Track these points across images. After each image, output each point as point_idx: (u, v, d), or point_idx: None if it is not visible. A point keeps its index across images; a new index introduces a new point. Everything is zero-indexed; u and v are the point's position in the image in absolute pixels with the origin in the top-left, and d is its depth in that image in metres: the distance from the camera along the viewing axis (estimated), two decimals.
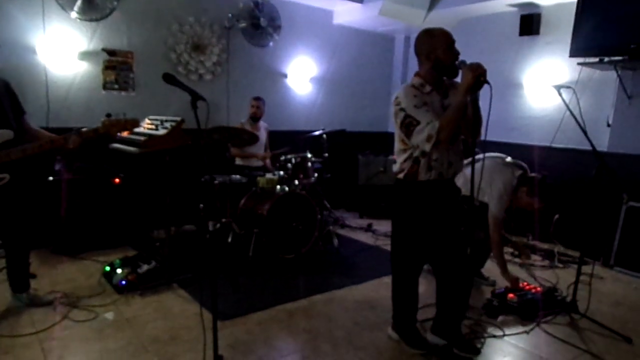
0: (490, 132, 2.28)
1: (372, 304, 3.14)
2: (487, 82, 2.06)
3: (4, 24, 3.74)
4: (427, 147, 2.18)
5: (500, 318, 2.95)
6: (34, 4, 3.86)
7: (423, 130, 2.17)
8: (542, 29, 4.89)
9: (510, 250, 4.40)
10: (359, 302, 3.17)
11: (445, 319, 2.52)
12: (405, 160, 2.37)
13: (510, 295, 3.06)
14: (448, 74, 2.31)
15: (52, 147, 2.54)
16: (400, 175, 2.39)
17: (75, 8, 3.99)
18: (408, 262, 2.54)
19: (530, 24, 4.89)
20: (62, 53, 4.02)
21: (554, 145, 4.70)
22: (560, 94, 2.92)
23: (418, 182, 2.34)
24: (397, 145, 2.41)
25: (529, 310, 2.95)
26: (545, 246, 4.54)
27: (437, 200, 2.37)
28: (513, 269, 3.94)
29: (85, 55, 4.17)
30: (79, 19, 4.06)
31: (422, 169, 2.32)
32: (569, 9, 4.23)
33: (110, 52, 4.27)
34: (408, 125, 2.23)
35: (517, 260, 4.18)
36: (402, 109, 2.25)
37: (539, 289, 3.20)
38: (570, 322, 2.93)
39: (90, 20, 4.11)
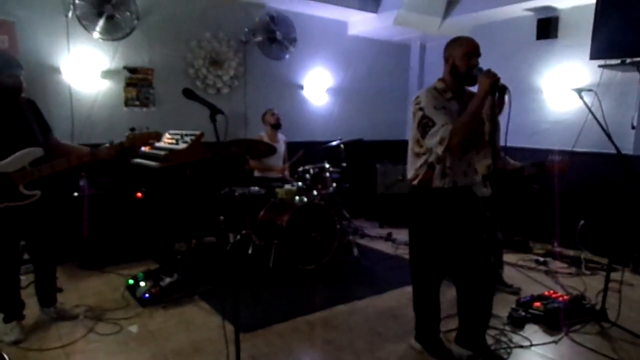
0: (511, 137, 2.26)
1: (394, 314, 3.11)
2: (505, 87, 2.05)
3: (31, 46, 3.89)
4: (440, 150, 2.18)
5: (526, 327, 2.88)
6: (59, 26, 4.00)
7: (437, 133, 2.17)
8: (560, 32, 4.82)
9: (535, 257, 4.31)
10: (380, 313, 3.14)
11: (469, 329, 2.47)
12: (420, 166, 2.37)
13: (536, 303, 2.99)
14: (463, 81, 2.30)
15: (80, 162, 2.61)
16: (415, 182, 2.39)
17: (98, 28, 4.11)
18: (427, 271, 2.51)
19: (547, 27, 4.83)
20: (86, 72, 4.14)
21: (576, 149, 4.60)
22: (581, 97, 2.87)
23: (432, 189, 2.33)
24: (412, 148, 2.41)
25: (556, 319, 2.87)
26: (571, 253, 4.42)
27: (453, 208, 2.35)
28: (538, 276, 3.86)
29: (108, 74, 4.29)
30: (102, 39, 4.18)
31: (437, 176, 2.31)
32: (587, 11, 4.17)
33: (132, 70, 4.39)
34: (424, 126, 2.23)
35: (542, 267, 4.09)
36: (421, 109, 2.26)
37: (566, 297, 3.11)
38: (600, 331, 2.84)
39: (112, 39, 4.24)
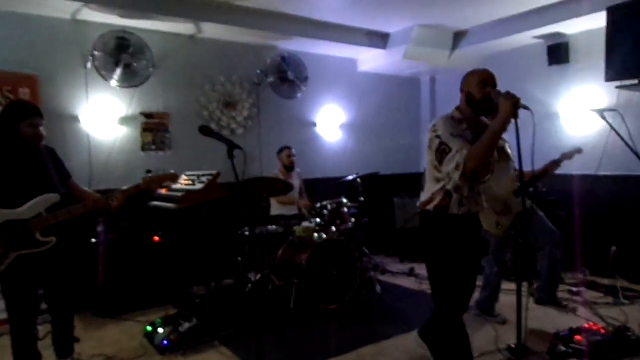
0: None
1: (426, 354, 2.93)
2: (527, 108, 2.01)
3: (51, 97, 3.99)
4: (456, 176, 2.14)
5: None
6: (78, 77, 4.13)
7: (453, 159, 2.14)
8: (571, 57, 4.82)
9: (568, 287, 4.10)
10: (410, 352, 2.97)
11: None
12: (438, 191, 2.31)
13: (577, 337, 2.79)
14: (479, 110, 2.27)
15: (96, 207, 2.59)
16: (430, 207, 2.33)
17: (115, 77, 4.23)
18: (451, 302, 2.37)
19: (558, 53, 4.84)
20: (104, 120, 4.23)
21: (600, 173, 4.47)
22: (604, 118, 2.81)
23: (449, 215, 2.29)
24: (432, 173, 2.35)
25: (601, 353, 2.67)
26: (606, 282, 4.20)
27: (468, 233, 2.33)
28: (574, 307, 3.65)
29: (125, 120, 4.38)
30: (119, 87, 4.29)
31: (454, 204, 2.28)
32: (597, 34, 4.17)
33: (148, 116, 4.47)
34: (442, 153, 2.20)
35: (577, 298, 3.87)
36: (438, 136, 2.23)
37: (608, 329, 2.91)
38: None
39: (129, 87, 4.35)
